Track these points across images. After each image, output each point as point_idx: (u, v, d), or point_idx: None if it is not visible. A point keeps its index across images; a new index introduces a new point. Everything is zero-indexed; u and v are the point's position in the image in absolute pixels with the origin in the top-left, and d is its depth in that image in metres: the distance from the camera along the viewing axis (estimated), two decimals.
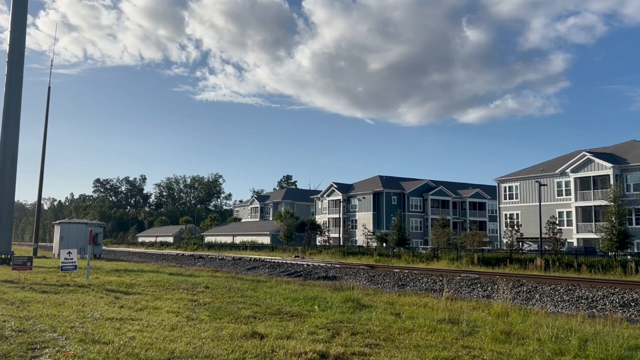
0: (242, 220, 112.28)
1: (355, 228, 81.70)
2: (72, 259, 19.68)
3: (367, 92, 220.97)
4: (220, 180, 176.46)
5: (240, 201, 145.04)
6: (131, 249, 77.25)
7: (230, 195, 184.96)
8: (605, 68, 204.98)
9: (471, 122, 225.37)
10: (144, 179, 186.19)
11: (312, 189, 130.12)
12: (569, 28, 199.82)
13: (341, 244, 70.45)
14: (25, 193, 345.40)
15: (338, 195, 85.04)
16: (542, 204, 52.46)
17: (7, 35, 35.58)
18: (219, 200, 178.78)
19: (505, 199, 62.66)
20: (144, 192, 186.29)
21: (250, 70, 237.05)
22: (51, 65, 77.63)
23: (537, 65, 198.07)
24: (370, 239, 67.82)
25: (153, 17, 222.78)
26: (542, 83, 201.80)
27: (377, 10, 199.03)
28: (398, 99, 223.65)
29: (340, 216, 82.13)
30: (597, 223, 51.66)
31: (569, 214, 55.82)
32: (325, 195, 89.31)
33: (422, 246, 68.45)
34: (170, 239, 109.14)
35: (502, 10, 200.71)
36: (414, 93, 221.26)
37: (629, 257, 32.36)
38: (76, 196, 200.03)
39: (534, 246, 51.51)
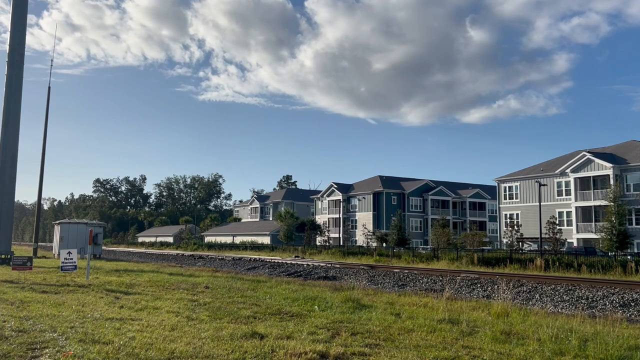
0: (242, 221, 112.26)
1: (355, 228, 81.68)
2: (72, 259, 19.67)
3: (369, 92, 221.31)
4: (220, 180, 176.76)
5: (240, 201, 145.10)
6: (131, 249, 77.23)
7: (230, 195, 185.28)
8: (608, 68, 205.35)
9: (474, 122, 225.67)
10: (144, 179, 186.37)
11: (312, 189, 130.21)
12: (573, 28, 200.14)
13: (341, 244, 70.46)
14: (25, 193, 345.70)
15: (338, 196, 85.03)
16: (542, 204, 52.46)
17: (8, 35, 35.51)
18: (219, 200, 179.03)
19: (505, 199, 62.65)
20: (144, 192, 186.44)
21: (252, 70, 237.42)
22: (51, 65, 77.71)
23: (540, 65, 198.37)
24: (370, 239, 67.81)
25: (156, 17, 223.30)
26: (545, 83, 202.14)
27: (381, 10, 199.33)
28: (401, 99, 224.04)
29: (340, 216, 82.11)
30: (597, 223, 51.65)
31: (569, 214, 55.81)
32: (325, 195, 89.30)
33: (422, 246, 68.46)
34: (170, 239, 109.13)
35: (506, 10, 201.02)
36: (417, 93, 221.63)
37: (629, 257, 32.35)
38: (76, 196, 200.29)
39: (534, 246, 51.51)
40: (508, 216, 61.19)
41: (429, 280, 23.48)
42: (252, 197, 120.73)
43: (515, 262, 32.71)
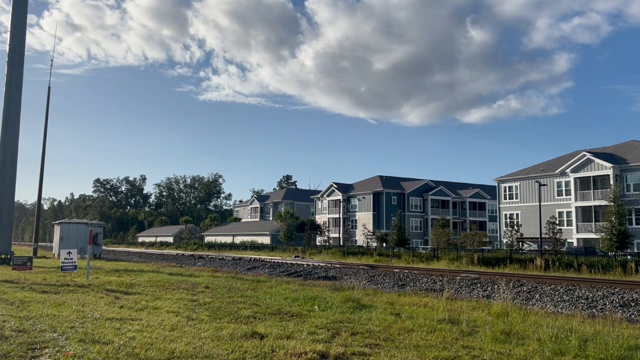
0: (242, 220, 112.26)
1: (355, 228, 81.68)
2: (72, 259, 19.67)
3: (370, 92, 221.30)
4: (220, 180, 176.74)
5: (240, 201, 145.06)
6: (131, 249, 77.23)
7: (230, 195, 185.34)
8: (609, 68, 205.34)
9: (474, 122, 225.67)
10: (144, 179, 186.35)
11: (312, 189, 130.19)
12: (574, 28, 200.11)
13: (341, 244, 70.45)
14: (25, 193, 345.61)
15: (338, 195, 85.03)
16: (542, 204, 52.45)
17: (8, 35, 35.51)
18: (219, 200, 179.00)
19: (505, 199, 62.65)
20: (144, 192, 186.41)
21: (253, 70, 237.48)
22: (51, 65, 77.75)
23: (540, 65, 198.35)
24: (370, 239, 67.82)
25: (157, 17, 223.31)
26: (546, 83, 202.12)
27: (381, 10, 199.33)
28: (401, 99, 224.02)
29: (340, 216, 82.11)
30: (597, 223, 51.65)
31: (569, 214, 55.81)
32: (325, 195, 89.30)
33: (422, 246, 68.46)
34: (170, 239, 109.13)
35: (507, 10, 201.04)
36: (418, 93, 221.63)
37: (628, 257, 32.35)
38: (76, 196, 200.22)
39: (534, 246, 51.51)
40: (508, 216, 61.19)
41: (429, 280, 23.48)
42: (252, 197, 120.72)
43: (515, 262, 32.71)
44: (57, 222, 45.78)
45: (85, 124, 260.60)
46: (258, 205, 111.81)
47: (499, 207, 63.32)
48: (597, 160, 53.30)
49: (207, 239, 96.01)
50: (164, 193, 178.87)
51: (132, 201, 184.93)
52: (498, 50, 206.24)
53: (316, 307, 12.84)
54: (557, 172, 56.81)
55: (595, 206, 53.37)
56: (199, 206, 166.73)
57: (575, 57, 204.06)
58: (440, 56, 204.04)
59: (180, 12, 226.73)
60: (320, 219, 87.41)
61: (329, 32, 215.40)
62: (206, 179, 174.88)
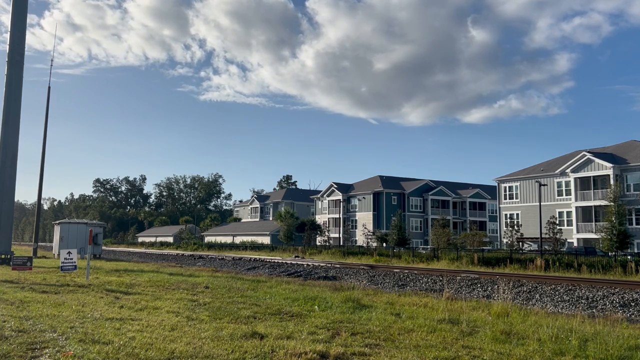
0: (242, 220, 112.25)
1: (355, 228, 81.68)
2: (72, 259, 19.66)
3: (371, 92, 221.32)
4: (220, 180, 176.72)
5: (240, 201, 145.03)
6: (131, 249, 77.22)
7: (230, 195, 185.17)
8: (610, 68, 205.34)
9: (474, 122, 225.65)
10: (144, 179, 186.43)
11: (312, 189, 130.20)
12: (575, 28, 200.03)
13: (341, 244, 70.45)
14: (25, 193, 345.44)
15: (338, 195, 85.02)
16: (542, 204, 52.44)
17: (8, 35, 35.49)
18: (219, 200, 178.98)
19: (505, 199, 62.65)
20: (144, 192, 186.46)
21: (254, 70, 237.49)
22: (51, 65, 77.79)
23: (541, 65, 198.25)
24: (370, 239, 67.81)
25: (158, 17, 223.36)
26: (547, 83, 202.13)
27: (382, 10, 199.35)
28: (402, 99, 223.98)
29: (340, 216, 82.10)
30: (597, 223, 51.65)
31: (569, 214, 55.80)
32: (325, 195, 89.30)
33: (422, 246, 68.44)
34: (170, 239, 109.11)
35: (508, 10, 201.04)
36: (418, 93, 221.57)
37: (629, 257, 32.35)
38: (76, 196, 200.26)
39: (534, 246, 51.51)
40: (508, 216, 61.18)
41: (429, 280, 23.48)
42: (252, 197, 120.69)
43: (515, 262, 32.70)
44: (57, 222, 45.77)
45: (85, 124, 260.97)
46: (258, 205, 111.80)
47: (499, 207, 63.32)
48: (597, 160, 53.30)
49: (207, 239, 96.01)
50: (164, 193, 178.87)
51: (132, 201, 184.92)
52: (499, 50, 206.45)
53: (316, 307, 12.84)
54: (557, 172, 56.80)
55: (595, 206, 53.36)
56: (199, 206, 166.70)
57: (576, 57, 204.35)
58: (441, 56, 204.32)
59: (181, 12, 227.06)
60: (320, 219, 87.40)
61: (329, 32, 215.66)
62: (206, 179, 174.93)
